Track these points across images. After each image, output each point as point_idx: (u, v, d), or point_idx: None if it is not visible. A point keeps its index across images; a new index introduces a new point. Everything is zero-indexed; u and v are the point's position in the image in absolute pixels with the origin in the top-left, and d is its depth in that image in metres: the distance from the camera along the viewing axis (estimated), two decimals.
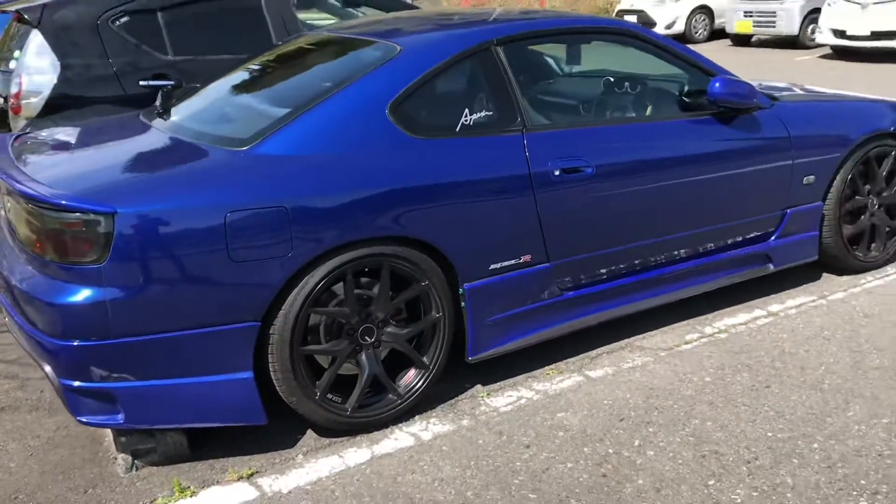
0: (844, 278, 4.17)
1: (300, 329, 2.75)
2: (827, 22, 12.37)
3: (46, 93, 4.65)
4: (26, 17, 4.73)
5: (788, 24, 13.82)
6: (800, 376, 3.23)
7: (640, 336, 3.63)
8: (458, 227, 2.97)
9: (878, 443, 2.77)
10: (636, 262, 3.48)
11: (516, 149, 3.09)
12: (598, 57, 4.23)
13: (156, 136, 3.15)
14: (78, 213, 2.49)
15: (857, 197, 4.07)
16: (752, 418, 2.95)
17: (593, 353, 3.49)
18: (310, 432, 2.98)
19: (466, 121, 3.07)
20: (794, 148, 3.76)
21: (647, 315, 3.70)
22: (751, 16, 14.27)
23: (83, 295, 2.51)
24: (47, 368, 2.65)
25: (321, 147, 2.82)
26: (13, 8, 4.85)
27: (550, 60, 4.47)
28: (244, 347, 2.69)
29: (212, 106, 3.37)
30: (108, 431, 3.00)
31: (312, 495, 2.63)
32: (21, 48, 4.79)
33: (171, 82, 4.74)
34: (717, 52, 13.76)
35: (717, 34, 15.54)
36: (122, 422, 2.65)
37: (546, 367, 3.38)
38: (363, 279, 2.90)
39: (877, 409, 2.97)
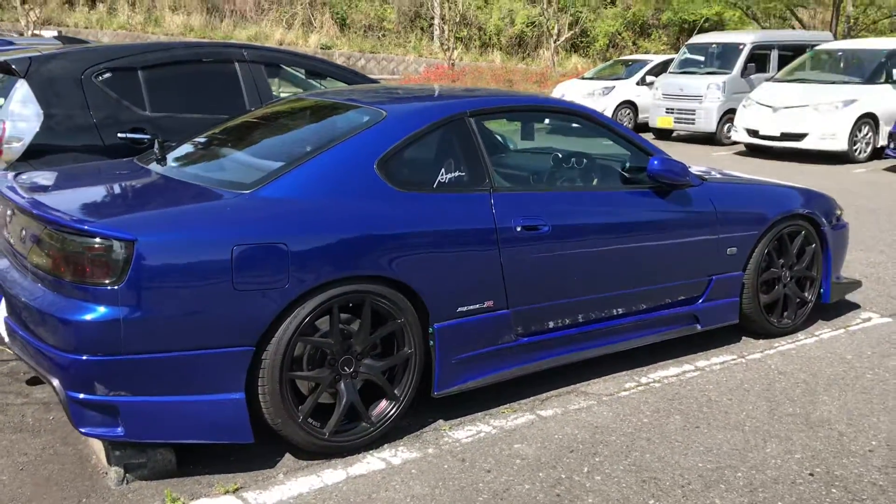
0: (761, 341, 4.66)
1: (289, 356, 3.04)
2: (741, 122, 13.42)
3: (28, 139, 4.87)
4: (14, 67, 4.97)
5: (707, 122, 14.89)
6: (724, 420, 3.65)
7: (584, 383, 4.01)
8: (433, 271, 3.33)
9: (792, 473, 3.19)
10: (584, 314, 3.88)
11: (485, 206, 3.50)
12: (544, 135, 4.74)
13: (159, 178, 3.44)
14: (99, 239, 2.76)
15: (772, 269, 4.60)
16: (684, 452, 3.34)
17: (543, 395, 3.85)
18: (288, 455, 3.23)
19: (443, 179, 3.47)
20: (720, 222, 4.27)
21: (589, 365, 4.11)
22: (672, 112, 15.32)
23: (98, 313, 2.76)
24: (55, 382, 2.86)
25: (317, 193, 3.17)
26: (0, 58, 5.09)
27: (499, 137, 4.94)
28: (239, 370, 2.96)
29: (210, 155, 3.69)
30: (95, 450, 3.20)
31: None
32: (5, 96, 5.02)
33: (148, 136, 5.08)
34: None
35: (641, 128, 16.55)
36: (121, 435, 2.87)
37: (501, 407, 3.72)
38: (344, 315, 3.21)
39: (790, 447, 3.40)
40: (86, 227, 2.78)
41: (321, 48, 31.90)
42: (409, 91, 4.35)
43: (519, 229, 3.56)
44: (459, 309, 3.44)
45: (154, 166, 3.60)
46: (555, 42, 24.13)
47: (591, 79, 18.07)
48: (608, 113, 16.54)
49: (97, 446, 3.16)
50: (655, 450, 3.35)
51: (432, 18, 33.03)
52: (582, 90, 17.07)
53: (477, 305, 3.49)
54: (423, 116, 3.54)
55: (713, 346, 4.55)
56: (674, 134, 16.05)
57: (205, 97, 5.43)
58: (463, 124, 3.61)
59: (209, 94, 5.45)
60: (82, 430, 2.86)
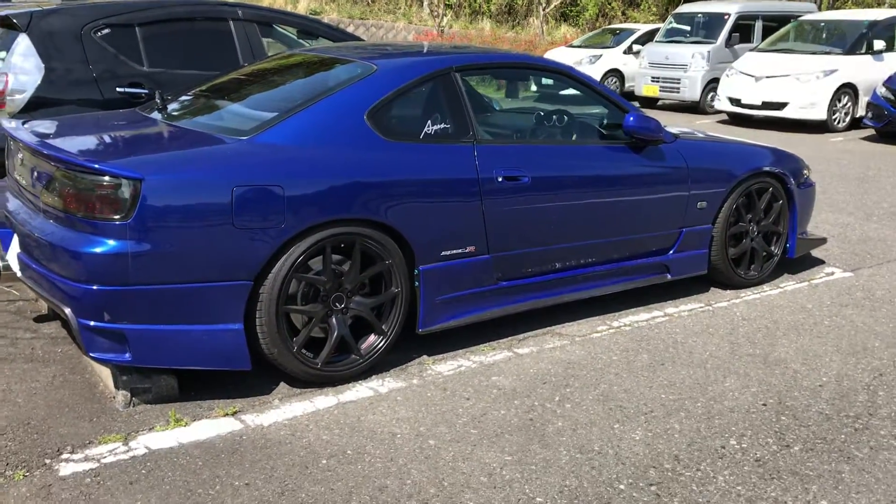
0: (729, 292, 4.93)
1: (285, 290, 3.27)
2: (724, 91, 13.64)
3: (30, 92, 5.05)
4: (15, 21, 5.14)
5: (691, 91, 15.11)
6: (688, 358, 3.93)
7: (560, 325, 4.27)
8: (418, 216, 3.56)
9: (747, 404, 3.47)
10: (560, 261, 4.14)
11: (468, 156, 3.73)
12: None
13: (162, 125, 3.65)
14: (109, 177, 2.98)
15: (740, 223, 4.86)
16: (649, 385, 3.62)
17: (520, 336, 4.12)
18: (283, 384, 3.49)
19: (429, 130, 3.70)
20: (691, 177, 4.52)
21: (564, 309, 4.37)
22: (657, 81, 15.52)
23: (108, 246, 2.98)
24: (67, 310, 3.08)
25: (311, 140, 3.40)
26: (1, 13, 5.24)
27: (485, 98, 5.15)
28: (238, 302, 3.20)
29: (209, 106, 3.89)
30: (102, 377, 3.44)
31: (290, 427, 3.14)
32: (7, 50, 5.19)
33: (146, 91, 5.26)
34: None
35: (627, 96, 16.75)
36: (128, 360, 3.11)
37: (481, 345, 3.98)
38: (336, 256, 3.45)
39: (747, 382, 3.68)
40: (96, 167, 3.00)
41: (310, 13, 31.84)
42: (397, 48, 4.56)
43: (500, 179, 3.79)
44: (443, 253, 3.68)
45: (156, 115, 3.80)
46: (543, 10, 24.18)
47: (579, 47, 18.22)
48: None
49: (104, 374, 3.40)
50: (622, 383, 3.63)
51: None
52: (569, 58, 17.19)
53: (460, 250, 3.73)
54: (412, 70, 3.76)
55: (682, 296, 4.82)
56: (659, 102, 16.25)
57: (200, 54, 5.60)
58: (449, 79, 3.83)
59: (204, 50, 5.63)
60: (92, 355, 3.10)
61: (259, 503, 2.65)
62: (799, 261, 5.43)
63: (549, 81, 4.58)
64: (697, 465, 2.97)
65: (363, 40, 6.56)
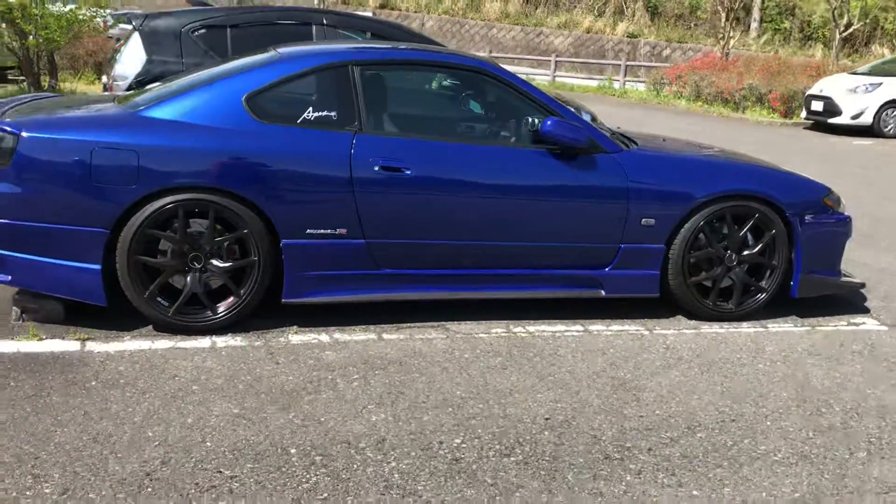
0: (688, 322, 4.50)
1: (138, 241, 3.80)
2: None
3: (131, 79, 6.17)
4: (133, 22, 6.30)
5: None
6: (539, 370, 3.76)
7: (457, 322, 4.29)
8: (279, 194, 3.89)
9: (527, 414, 3.30)
10: (456, 258, 4.17)
11: (343, 144, 3.96)
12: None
13: (106, 102, 4.38)
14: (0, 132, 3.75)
15: (709, 249, 4.41)
16: (451, 381, 3.57)
17: (405, 324, 4.22)
18: (150, 327, 4.02)
19: (308, 116, 4.00)
20: (631, 191, 4.24)
21: (481, 307, 4.38)
22: None
23: None
24: None
25: (188, 117, 3.89)
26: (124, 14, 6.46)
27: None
28: (96, 246, 3.79)
29: (161, 88, 4.55)
30: None
31: (107, 357, 3.66)
32: (125, 44, 6.37)
33: None
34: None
35: None
36: (8, 280, 3.85)
37: (356, 326, 4.16)
38: (201, 220, 3.90)
39: (562, 397, 3.47)
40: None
41: (627, 36, 32.16)
42: (345, 44, 4.86)
43: (377, 168, 3.97)
44: (308, 231, 3.96)
45: (119, 94, 4.55)
46: (840, 34, 21.97)
47: (864, 74, 16.37)
48: (870, 112, 15.02)
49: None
50: (436, 376, 3.61)
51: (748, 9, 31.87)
52: (844, 85, 15.61)
53: (328, 231, 3.98)
54: (305, 62, 4.10)
55: (631, 317, 4.51)
56: None
57: None
58: (345, 72, 4.09)
59: None
60: None
61: (9, 400, 3.22)
62: (831, 304, 4.77)
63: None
64: (353, 454, 2.96)
65: (441, 45, 6.86)
